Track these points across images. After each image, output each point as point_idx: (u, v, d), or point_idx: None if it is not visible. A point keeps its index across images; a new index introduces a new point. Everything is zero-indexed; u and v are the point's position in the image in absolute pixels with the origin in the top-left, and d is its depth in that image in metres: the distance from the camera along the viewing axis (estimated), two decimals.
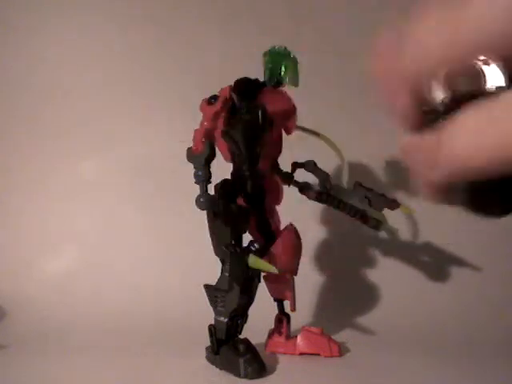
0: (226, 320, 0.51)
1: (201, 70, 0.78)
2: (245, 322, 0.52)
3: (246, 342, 0.51)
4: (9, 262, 0.76)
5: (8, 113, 0.81)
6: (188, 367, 0.52)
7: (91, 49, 0.82)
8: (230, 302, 0.51)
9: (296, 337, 0.57)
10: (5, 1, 0.82)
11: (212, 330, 0.52)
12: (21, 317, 0.68)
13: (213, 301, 0.52)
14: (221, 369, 0.51)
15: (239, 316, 0.52)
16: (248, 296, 0.51)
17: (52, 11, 0.82)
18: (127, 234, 0.78)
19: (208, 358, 0.53)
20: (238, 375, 0.49)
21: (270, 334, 0.58)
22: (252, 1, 0.82)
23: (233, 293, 0.50)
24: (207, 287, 0.52)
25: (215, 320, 0.52)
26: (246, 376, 0.49)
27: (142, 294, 0.72)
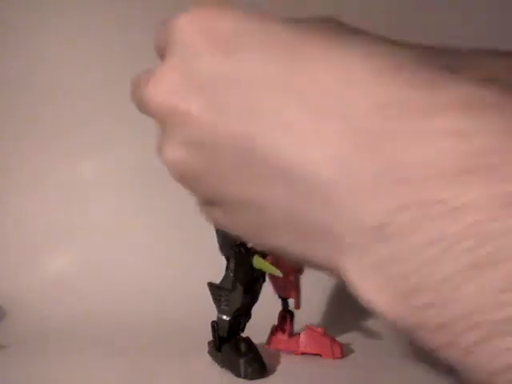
0: (228, 319, 0.51)
1: None
2: (247, 320, 0.52)
3: (248, 341, 0.51)
4: (9, 262, 0.76)
5: (8, 113, 0.81)
6: (188, 367, 0.52)
7: (91, 49, 0.82)
8: (233, 302, 0.50)
9: (299, 334, 0.57)
10: (5, 1, 0.82)
11: (215, 326, 0.51)
12: (21, 317, 0.68)
13: (216, 299, 0.52)
14: (222, 367, 0.51)
15: (242, 315, 0.51)
16: (252, 296, 0.51)
17: (52, 11, 0.82)
18: (127, 234, 0.78)
19: (210, 353, 0.53)
20: (239, 375, 0.49)
21: (273, 331, 0.58)
22: (252, 1, 0.82)
23: (236, 292, 0.50)
24: (211, 285, 0.52)
25: (218, 318, 0.52)
26: (246, 376, 0.49)
27: (142, 294, 0.72)
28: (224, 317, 0.51)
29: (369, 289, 0.19)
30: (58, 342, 0.60)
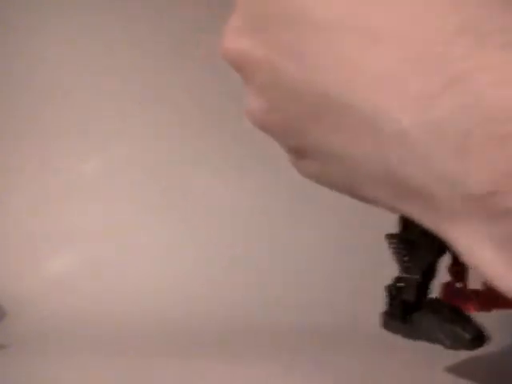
0: (416, 277, 0.39)
1: (202, 70, 0.78)
2: (434, 279, 0.40)
3: (447, 303, 0.40)
4: (9, 261, 0.76)
5: (8, 113, 0.81)
6: (188, 367, 0.52)
7: (91, 49, 0.82)
8: (423, 256, 0.39)
9: (479, 291, 0.43)
10: (5, 1, 0.82)
11: (394, 290, 0.40)
12: (21, 317, 0.67)
13: (398, 253, 0.40)
14: (414, 339, 0.40)
15: (431, 272, 0.40)
16: (443, 247, 0.36)
17: (52, 11, 0.82)
18: (127, 233, 0.78)
19: (386, 326, 0.41)
20: (446, 345, 0.38)
21: (447, 288, 0.44)
22: None
23: (427, 243, 0.38)
24: (392, 237, 0.40)
25: (399, 278, 0.40)
26: (463, 346, 0.37)
27: (142, 294, 0.72)
28: (409, 276, 0.39)
29: (491, 265, 0.16)
30: (58, 342, 0.60)
